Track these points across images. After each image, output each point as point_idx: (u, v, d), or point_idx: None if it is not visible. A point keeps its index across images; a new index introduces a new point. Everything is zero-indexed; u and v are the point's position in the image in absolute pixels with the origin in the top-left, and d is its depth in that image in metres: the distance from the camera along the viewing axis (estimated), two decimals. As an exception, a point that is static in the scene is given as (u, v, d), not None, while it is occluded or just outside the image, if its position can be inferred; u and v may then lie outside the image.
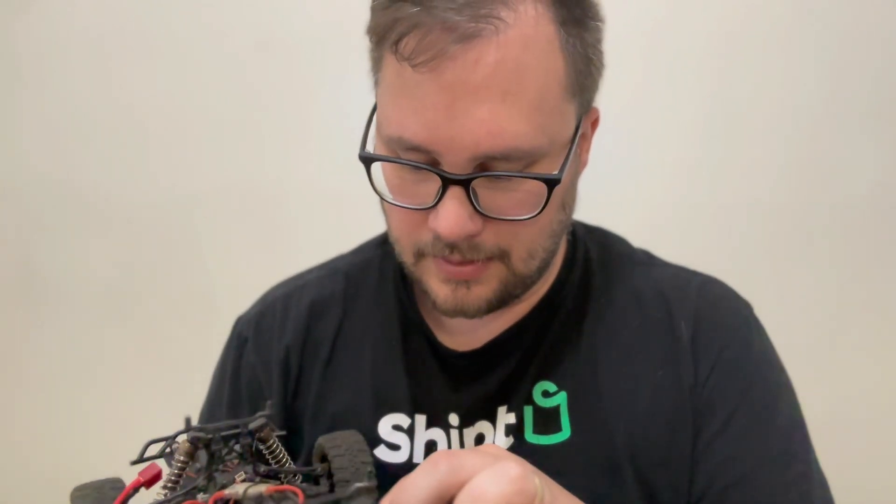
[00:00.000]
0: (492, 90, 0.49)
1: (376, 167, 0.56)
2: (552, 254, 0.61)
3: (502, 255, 0.57)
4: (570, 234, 0.69)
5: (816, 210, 1.28)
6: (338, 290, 0.70)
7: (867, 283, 1.28)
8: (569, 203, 0.61)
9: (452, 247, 0.55)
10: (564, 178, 0.54)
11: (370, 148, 0.57)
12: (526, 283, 0.60)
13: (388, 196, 0.56)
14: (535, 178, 0.53)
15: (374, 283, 0.70)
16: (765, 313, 1.29)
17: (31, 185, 1.51)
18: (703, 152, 1.29)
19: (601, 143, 1.31)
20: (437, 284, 0.58)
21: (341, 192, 1.36)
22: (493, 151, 0.51)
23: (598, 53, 0.59)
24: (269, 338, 0.70)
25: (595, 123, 0.64)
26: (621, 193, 1.30)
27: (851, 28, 1.25)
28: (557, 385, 0.63)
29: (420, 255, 0.58)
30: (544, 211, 0.54)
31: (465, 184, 0.52)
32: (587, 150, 0.64)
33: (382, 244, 0.73)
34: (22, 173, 1.52)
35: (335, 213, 1.38)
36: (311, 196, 1.41)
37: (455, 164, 0.51)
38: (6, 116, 1.52)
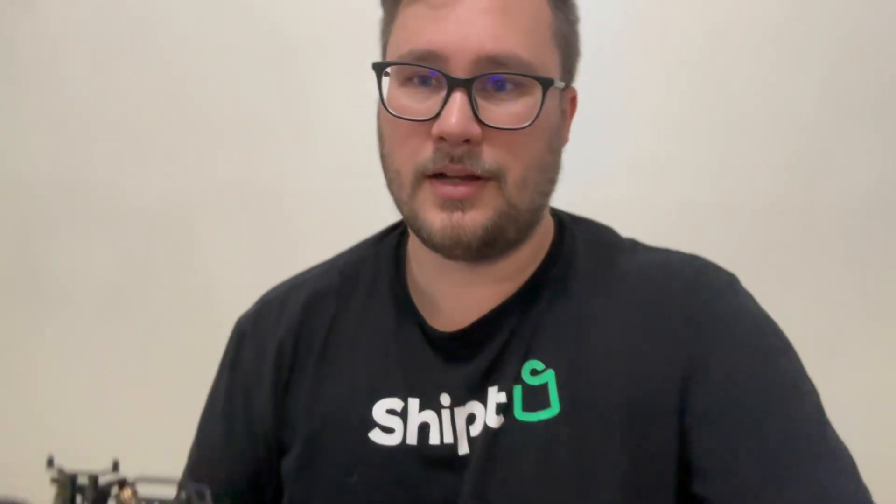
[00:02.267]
0: (494, 8, 0.59)
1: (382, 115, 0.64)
2: (541, 198, 0.65)
3: (498, 176, 0.60)
4: (557, 222, 0.72)
5: (816, 209, 1.28)
6: (332, 286, 0.73)
7: (867, 283, 1.28)
8: (555, 150, 0.65)
9: (452, 156, 0.59)
10: (552, 117, 0.63)
11: (378, 134, 0.65)
12: (518, 223, 0.63)
13: (396, 114, 0.62)
14: (530, 77, 0.60)
15: (368, 279, 0.72)
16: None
17: (32, 184, 1.51)
18: (702, 151, 1.29)
19: (602, 142, 1.31)
20: (433, 214, 0.61)
21: (341, 192, 1.36)
22: (495, 52, 0.58)
23: (576, 38, 0.67)
24: (264, 333, 0.73)
25: (573, 102, 0.69)
26: (619, 193, 1.30)
27: (852, 26, 1.25)
28: (545, 363, 0.64)
29: (419, 180, 0.61)
30: (535, 135, 0.61)
31: (468, 85, 0.58)
32: (568, 129, 0.69)
33: (377, 243, 0.75)
34: (23, 173, 1.52)
35: (334, 212, 1.38)
36: (310, 196, 1.41)
37: (460, 66, 0.58)
38: (7, 116, 1.52)
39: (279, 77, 1.41)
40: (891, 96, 1.26)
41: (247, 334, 0.74)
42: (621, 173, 1.30)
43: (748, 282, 1.29)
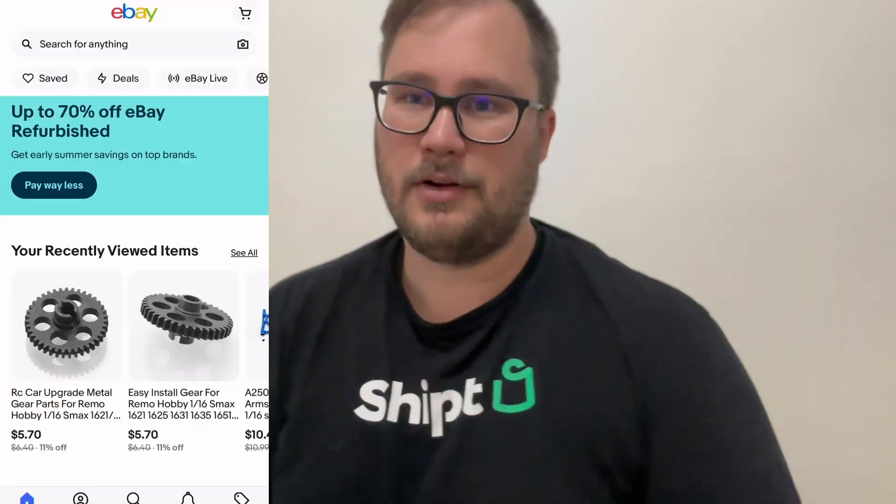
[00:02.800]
0: (478, 36, 0.67)
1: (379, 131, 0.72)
2: (518, 207, 0.72)
3: (478, 185, 0.67)
4: (539, 234, 0.79)
5: (819, 209, 1.27)
6: (335, 280, 0.81)
7: (868, 283, 1.27)
8: (531, 163, 0.72)
9: (438, 165, 0.66)
10: (529, 134, 0.70)
11: (375, 144, 0.73)
12: (496, 227, 0.69)
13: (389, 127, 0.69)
14: (508, 98, 0.67)
15: (367, 277, 0.81)
16: (764, 314, 1.28)
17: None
18: (704, 152, 1.28)
19: (603, 142, 1.30)
20: (419, 216, 0.68)
21: (340, 193, 1.36)
22: (477, 76, 0.66)
23: (555, 66, 0.74)
24: (272, 315, 0.80)
25: (552, 122, 0.77)
26: (621, 192, 1.29)
27: (857, 26, 1.25)
28: (524, 362, 0.71)
29: (407, 187, 0.68)
30: (513, 150, 0.68)
31: (453, 103, 0.66)
32: (546, 146, 0.76)
33: (380, 247, 0.83)
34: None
35: (334, 214, 1.37)
36: (310, 197, 1.40)
37: (447, 87, 0.66)
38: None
39: (279, 77, 1.41)
40: (894, 95, 1.26)
41: None
42: (623, 173, 1.30)
43: (749, 282, 1.28)
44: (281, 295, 0.82)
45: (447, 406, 0.71)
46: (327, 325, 0.78)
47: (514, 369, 0.70)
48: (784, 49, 1.26)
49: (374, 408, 0.73)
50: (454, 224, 0.67)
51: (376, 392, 0.73)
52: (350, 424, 0.72)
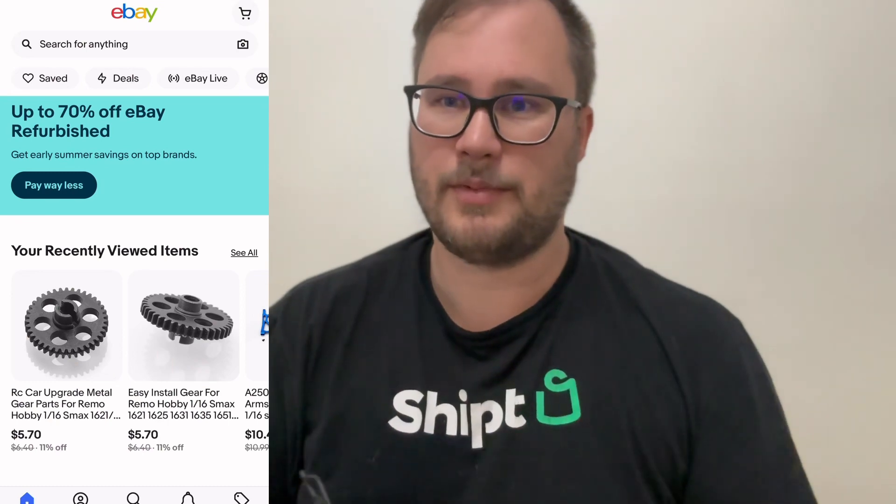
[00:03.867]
0: (513, 35, 0.65)
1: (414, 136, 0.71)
2: (557, 207, 0.70)
3: (515, 188, 0.65)
4: (573, 242, 0.77)
5: (822, 209, 1.27)
6: (361, 283, 0.79)
7: (868, 284, 1.27)
8: (570, 163, 0.70)
9: (474, 170, 0.64)
10: (567, 133, 0.68)
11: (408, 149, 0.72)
12: (534, 230, 0.67)
13: (424, 132, 0.68)
14: (545, 97, 0.65)
15: (394, 280, 0.78)
16: (765, 314, 1.28)
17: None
18: (706, 152, 1.29)
19: (601, 141, 1.31)
20: (456, 218, 0.66)
21: (340, 193, 1.36)
22: (513, 76, 0.64)
23: (591, 62, 0.73)
24: (295, 319, 0.78)
25: (590, 120, 0.75)
26: (620, 193, 1.29)
27: (859, 25, 1.25)
28: (567, 373, 0.70)
29: (443, 189, 0.67)
30: (552, 150, 0.66)
31: (489, 105, 0.64)
32: (584, 145, 0.74)
33: (403, 249, 0.81)
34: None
35: (334, 214, 1.37)
36: (309, 197, 1.40)
37: (482, 89, 0.64)
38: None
39: (279, 77, 1.41)
40: (895, 96, 1.26)
41: (277, 321, 0.79)
42: (620, 173, 1.30)
43: (749, 282, 1.29)
44: (303, 298, 0.80)
45: (487, 417, 0.70)
46: (356, 332, 0.76)
47: (556, 380, 0.69)
48: (784, 49, 1.26)
49: (408, 419, 0.71)
50: (492, 228, 0.65)
51: (410, 402, 0.72)
52: (384, 436, 0.71)
